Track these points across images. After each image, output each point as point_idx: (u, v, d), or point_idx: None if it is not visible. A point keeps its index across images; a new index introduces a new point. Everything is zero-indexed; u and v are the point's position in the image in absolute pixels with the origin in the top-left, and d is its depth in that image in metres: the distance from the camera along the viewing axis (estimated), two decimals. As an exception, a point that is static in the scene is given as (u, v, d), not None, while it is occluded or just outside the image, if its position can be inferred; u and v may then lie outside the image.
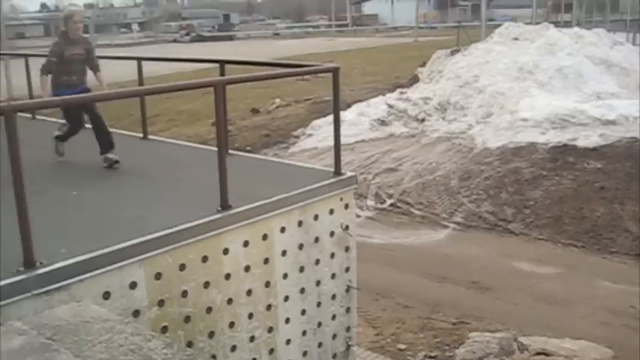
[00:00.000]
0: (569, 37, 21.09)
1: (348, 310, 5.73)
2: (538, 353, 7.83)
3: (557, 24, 25.30)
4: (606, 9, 33.04)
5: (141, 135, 7.53)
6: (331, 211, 5.34)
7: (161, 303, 4.28)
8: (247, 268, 4.80)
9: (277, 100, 22.50)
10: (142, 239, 4.19)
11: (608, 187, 12.69)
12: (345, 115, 17.49)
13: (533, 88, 18.03)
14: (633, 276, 10.38)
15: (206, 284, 4.55)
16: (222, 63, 6.26)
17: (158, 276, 4.26)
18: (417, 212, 13.02)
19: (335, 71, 5.41)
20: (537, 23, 25.31)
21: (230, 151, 6.26)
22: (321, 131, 16.84)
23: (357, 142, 16.61)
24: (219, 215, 4.64)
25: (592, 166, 13.47)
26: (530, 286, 10.02)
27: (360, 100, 19.64)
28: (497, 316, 8.87)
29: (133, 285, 4.13)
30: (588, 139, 14.43)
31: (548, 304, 9.46)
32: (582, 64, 19.47)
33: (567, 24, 29.36)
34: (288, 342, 5.21)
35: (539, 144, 14.64)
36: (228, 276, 4.68)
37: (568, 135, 14.84)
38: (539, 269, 10.70)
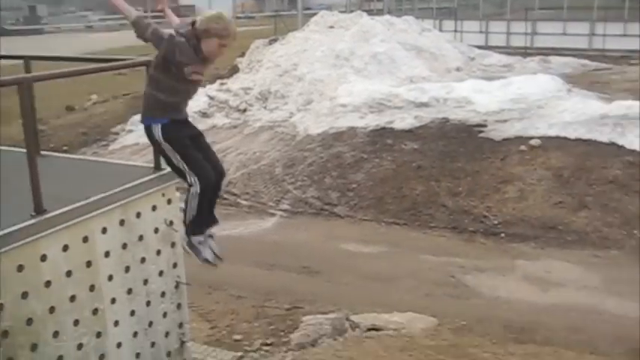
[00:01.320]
0: (381, 24, 21.93)
1: (179, 306, 5.63)
2: (369, 329, 8.12)
3: (369, 12, 26.17)
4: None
5: (-60, 140, 6.96)
6: (154, 208, 5.20)
7: (-26, 319, 3.99)
8: (69, 274, 4.57)
9: (94, 97, 21.64)
10: (-54, 252, 3.88)
11: (425, 166, 13.34)
12: (165, 109, 17.13)
13: (350, 75, 18.55)
14: (451, 247, 11.03)
15: (24, 294, 4.28)
16: (27, 59, 5.91)
17: (-31, 291, 3.96)
18: (244, 202, 13.04)
19: (148, 65, 5.25)
20: (351, 11, 26.07)
21: (43, 152, 5.93)
22: (141, 127, 16.31)
23: (178, 135, 16.30)
24: (33, 221, 4.38)
25: (409, 146, 14.09)
26: (358, 266, 10.35)
27: (181, 93, 19.30)
28: (328, 298, 9.08)
29: (-60, 303, 3.81)
30: (404, 121, 15.07)
31: (376, 282, 9.83)
32: (395, 49, 20.30)
33: (379, 12, 30.48)
34: (119, 345, 5.03)
35: (359, 128, 15.11)
36: (48, 283, 4.43)
37: (385, 118, 15.41)
38: (366, 249, 11.08)
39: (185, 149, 4.88)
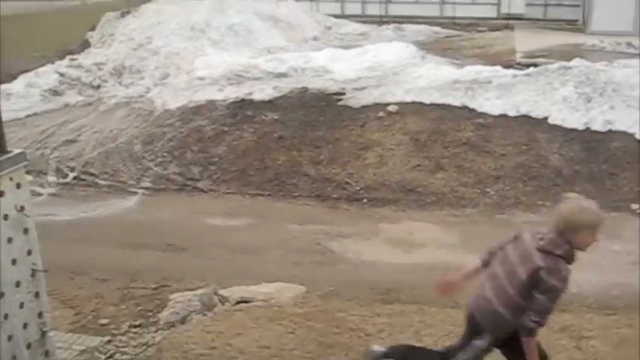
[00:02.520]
0: (236, -6, 21.71)
1: (37, 295, 5.36)
2: (238, 302, 8.10)
3: (223, -18, 25.80)
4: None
5: None
6: (1, 193, 4.91)
7: None
8: None
9: None
10: None
11: (286, 136, 13.40)
12: (12, 88, 16.28)
13: (207, 47, 18.28)
14: (316, 215, 11.19)
15: None
16: None
17: None
18: (103, 182, 12.62)
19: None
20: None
21: None
22: (-12, 104, 15.47)
23: (28, 115, 15.52)
24: None
25: (269, 117, 14.08)
26: (224, 240, 10.30)
27: (27, 70, 18.34)
28: (196, 274, 8.98)
29: None
30: (263, 92, 15.02)
31: (243, 254, 9.82)
32: (251, 20, 20.19)
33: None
34: (-29, 342, 4.75)
35: (218, 101, 14.93)
36: None
37: (244, 90, 15.31)
38: (231, 222, 11.03)
39: None
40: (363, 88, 14.91)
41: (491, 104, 13.55)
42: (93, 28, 21.51)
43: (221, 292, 8.28)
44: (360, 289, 8.58)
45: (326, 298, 8.31)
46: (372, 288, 8.63)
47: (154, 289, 8.66)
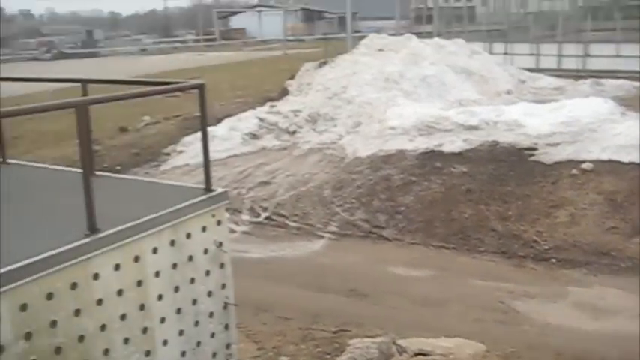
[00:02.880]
0: (431, 47, 21.92)
1: (226, 326, 5.67)
2: (416, 354, 8.03)
3: (419, 35, 26.17)
4: (464, 20, 34.55)
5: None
6: (204, 229, 5.27)
7: (28, 336, 4.07)
8: (120, 292, 4.65)
9: (146, 118, 22.04)
10: (3, 270, 3.98)
11: (474, 190, 13.23)
12: (216, 131, 17.38)
13: (399, 97, 18.55)
14: (501, 272, 10.89)
15: (77, 312, 4.37)
16: (84, 82, 6.06)
17: (24, 307, 4.05)
18: (292, 224, 13.09)
19: (201, 87, 5.35)
20: (401, 34, 26.11)
21: (97, 172, 6.06)
22: (192, 148, 16.64)
23: (229, 157, 16.53)
24: (87, 239, 4.48)
25: (458, 170, 14.00)
26: (406, 290, 10.29)
27: (231, 115, 19.57)
28: (376, 322, 9.04)
29: (-4, 319, 3.91)
30: (453, 144, 14.99)
31: (424, 306, 9.75)
32: (444, 72, 20.26)
33: (429, 35, 30.45)
34: (167, 364, 5.09)
35: (408, 151, 15.07)
36: (100, 301, 4.52)
37: (434, 141, 15.35)
38: (414, 272, 11.01)
39: None
40: (557, 144, 14.45)
41: (698, 167, 12.62)
42: (292, 77, 22.58)
43: (400, 342, 8.26)
44: (544, 353, 8.23)
45: (507, 359, 8.04)
46: (558, 353, 8.24)
47: (334, 332, 8.81)
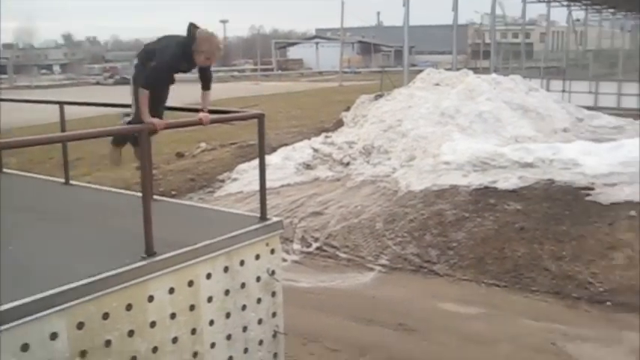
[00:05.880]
0: (487, 83, 21.85)
1: (275, 355, 5.70)
2: (464, 393, 7.93)
3: (476, 70, 26.18)
4: (522, 56, 34.39)
5: (62, 180, 7.38)
6: (257, 257, 5.33)
7: (83, 354, 4.17)
8: (173, 316, 4.73)
9: (202, 144, 22.41)
10: (63, 288, 4.09)
11: (528, 228, 13.05)
12: (271, 159, 17.54)
13: (454, 132, 18.50)
14: (553, 313, 10.66)
15: (130, 333, 4.46)
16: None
17: (80, 325, 4.16)
18: (343, 255, 13.08)
19: (260, 117, 5.46)
20: (457, 69, 26.12)
21: (155, 196, 6.20)
22: (246, 175, 16.85)
23: (282, 185, 16.66)
24: (143, 262, 4.58)
25: (512, 207, 13.85)
26: (456, 327, 10.15)
27: (286, 144, 19.78)
28: (424, 357, 8.94)
29: (54, 336, 4.01)
30: (508, 181, 14.85)
31: (474, 344, 9.60)
32: (500, 109, 20.15)
33: (485, 70, 30.41)
34: (215, 390, 5.13)
35: (462, 186, 14.98)
36: (153, 324, 4.60)
37: (489, 177, 15.24)
38: (464, 309, 10.86)
39: None
40: (615, 185, 14.20)
41: None
42: (348, 109, 22.74)
43: (448, 379, 8.16)
44: (597, 398, 8.02)
45: (558, 402, 7.87)
46: (610, 399, 8.03)
47: (381, 366, 8.74)
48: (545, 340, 9.71)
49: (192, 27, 5.58)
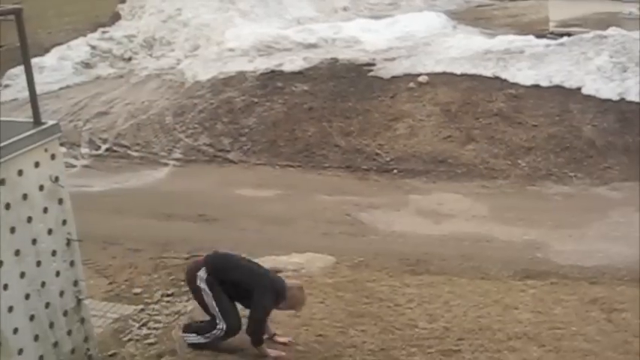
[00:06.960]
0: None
1: (72, 263, 5.48)
2: (269, 272, 8.17)
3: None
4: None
5: None
6: (37, 164, 4.99)
7: None
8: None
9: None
10: None
11: (316, 107, 13.36)
12: (45, 61, 16.39)
13: (236, 18, 18.19)
14: (345, 186, 11.21)
15: None
16: None
17: None
18: (135, 154, 12.74)
19: (18, 12, 4.97)
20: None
21: None
22: (19, 80, 15.60)
23: (61, 88, 15.66)
24: None
25: (299, 88, 14.03)
26: (255, 210, 10.37)
27: (60, 43, 18.45)
28: (227, 244, 9.01)
29: None
30: (293, 63, 14.95)
31: (273, 225, 9.89)
32: (281, -9, 20.03)
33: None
34: (10, 309, 4.87)
35: (248, 72, 14.90)
36: None
37: (274, 61, 15.25)
38: (261, 193, 11.09)
39: None
40: (394, 59, 14.78)
41: (523, 75, 13.35)
42: (123, 1, 21.51)
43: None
44: (390, 260, 8.61)
45: (356, 268, 8.36)
46: (402, 259, 8.66)
47: (186, 258, 8.76)
48: (339, 212, 10.22)
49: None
